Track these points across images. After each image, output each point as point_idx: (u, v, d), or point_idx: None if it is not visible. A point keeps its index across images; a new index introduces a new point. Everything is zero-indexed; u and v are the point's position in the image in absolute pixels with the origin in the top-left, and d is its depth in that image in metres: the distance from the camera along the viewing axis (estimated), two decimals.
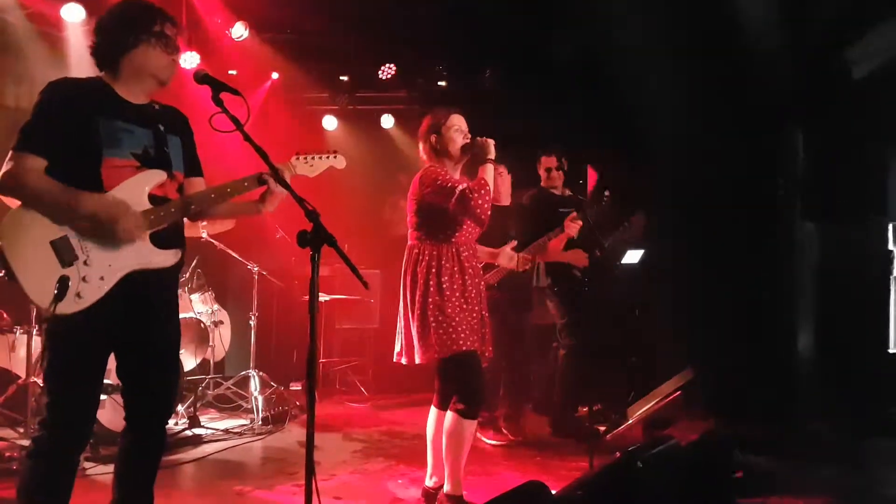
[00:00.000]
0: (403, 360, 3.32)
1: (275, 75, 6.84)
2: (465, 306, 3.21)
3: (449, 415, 3.24)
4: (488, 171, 3.21)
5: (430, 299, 3.17)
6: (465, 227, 3.29)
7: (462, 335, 3.16)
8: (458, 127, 3.32)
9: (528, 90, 6.45)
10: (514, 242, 4.02)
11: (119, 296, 2.30)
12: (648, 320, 5.65)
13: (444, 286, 3.19)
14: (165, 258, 2.42)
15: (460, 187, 3.14)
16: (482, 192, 3.12)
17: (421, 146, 3.41)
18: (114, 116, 2.35)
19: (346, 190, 6.67)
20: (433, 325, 3.16)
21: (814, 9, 5.21)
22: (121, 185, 2.32)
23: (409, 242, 3.35)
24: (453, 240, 3.27)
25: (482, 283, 3.40)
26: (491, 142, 3.25)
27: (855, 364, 5.22)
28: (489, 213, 3.17)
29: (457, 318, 3.16)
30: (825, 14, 5.20)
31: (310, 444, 1.94)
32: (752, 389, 4.92)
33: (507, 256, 3.93)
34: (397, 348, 3.35)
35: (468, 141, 3.30)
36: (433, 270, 3.21)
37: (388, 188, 7.72)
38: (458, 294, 3.20)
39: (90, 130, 2.29)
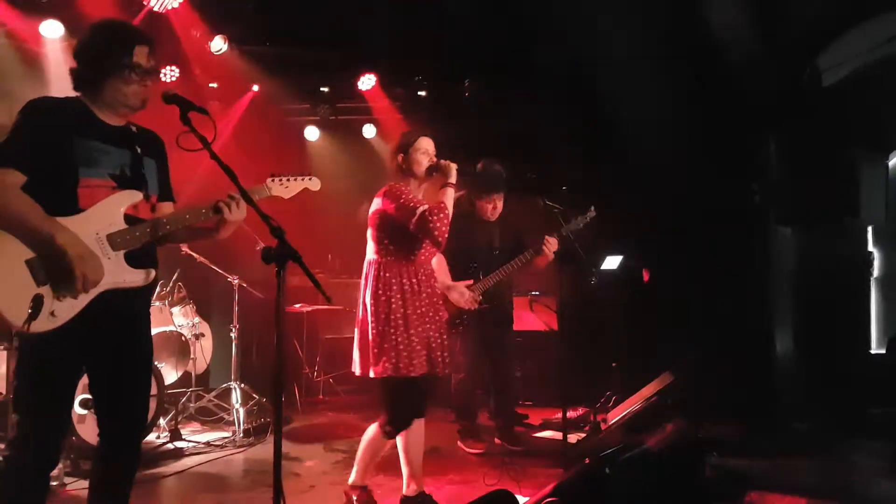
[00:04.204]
0: (358, 371, 3.35)
1: (255, 87, 6.87)
2: (423, 328, 3.29)
3: (374, 427, 3.39)
4: (448, 195, 3.28)
5: (392, 317, 3.24)
6: (425, 246, 3.37)
7: (416, 360, 3.23)
8: (424, 150, 3.39)
9: (508, 99, 6.50)
10: (471, 281, 4.21)
11: (92, 314, 2.33)
12: (628, 324, 5.71)
13: (405, 307, 3.27)
14: (138, 277, 2.45)
15: (420, 209, 3.22)
16: (440, 215, 3.20)
17: (388, 162, 3.51)
18: (90, 136, 2.38)
19: (329, 201, 6.66)
20: (392, 343, 3.22)
21: (786, 17, 5.31)
22: (97, 205, 2.35)
23: (370, 257, 3.40)
24: (413, 258, 3.35)
25: (440, 302, 3.47)
26: (454, 166, 3.35)
27: (837, 365, 5.30)
28: (447, 235, 3.24)
29: (414, 340, 3.25)
30: (797, 22, 5.31)
31: (277, 461, 1.96)
32: (730, 393, 4.97)
33: (459, 293, 4.12)
34: (356, 358, 3.37)
35: (433, 164, 3.38)
36: (394, 289, 3.28)
37: (371, 198, 7.74)
38: (416, 315, 3.28)
39: (66, 149, 2.32)
